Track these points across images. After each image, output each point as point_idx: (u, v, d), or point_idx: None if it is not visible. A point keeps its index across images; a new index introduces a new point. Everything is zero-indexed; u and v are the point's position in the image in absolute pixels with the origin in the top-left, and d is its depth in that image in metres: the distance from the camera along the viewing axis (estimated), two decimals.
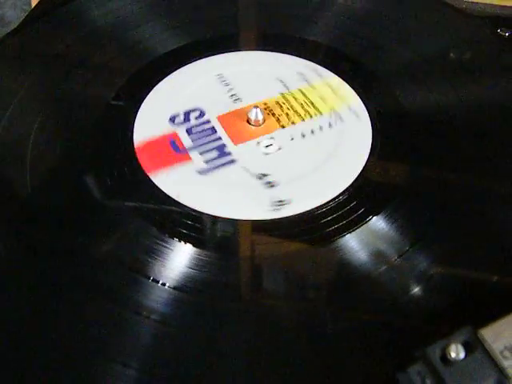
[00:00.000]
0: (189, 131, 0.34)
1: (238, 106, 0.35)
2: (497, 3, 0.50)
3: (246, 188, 0.31)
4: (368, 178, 0.31)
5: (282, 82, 0.37)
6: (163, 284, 0.26)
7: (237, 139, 0.33)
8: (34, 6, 0.48)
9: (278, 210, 0.29)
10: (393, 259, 0.27)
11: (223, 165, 0.32)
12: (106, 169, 0.31)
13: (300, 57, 0.39)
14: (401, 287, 0.26)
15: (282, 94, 0.36)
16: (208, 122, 0.34)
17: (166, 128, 0.34)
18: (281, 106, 0.35)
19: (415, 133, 0.33)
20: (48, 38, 0.40)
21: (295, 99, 0.36)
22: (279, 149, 0.33)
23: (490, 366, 0.21)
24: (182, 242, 0.28)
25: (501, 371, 0.21)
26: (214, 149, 0.33)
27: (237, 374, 0.24)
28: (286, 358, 0.24)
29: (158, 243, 0.28)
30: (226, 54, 0.39)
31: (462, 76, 0.37)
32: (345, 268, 0.27)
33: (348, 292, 0.26)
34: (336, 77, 0.37)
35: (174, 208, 0.29)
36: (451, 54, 0.39)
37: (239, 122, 0.34)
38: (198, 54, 0.39)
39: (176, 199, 0.30)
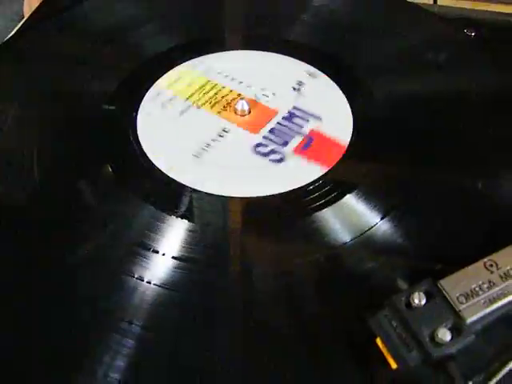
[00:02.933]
0: None
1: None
2: (466, 7, 0.54)
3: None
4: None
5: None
6: (163, 254, 0.30)
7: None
8: (33, 12, 0.51)
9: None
10: (365, 230, 0.31)
11: None
12: None
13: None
14: (373, 252, 0.30)
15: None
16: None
17: None
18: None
19: (387, 119, 0.37)
20: (48, 41, 0.43)
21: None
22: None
23: (447, 310, 0.25)
24: (179, 218, 0.31)
25: (457, 314, 0.25)
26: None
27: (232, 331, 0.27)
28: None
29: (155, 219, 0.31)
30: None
31: (429, 70, 0.41)
32: (324, 239, 0.30)
33: (328, 259, 0.30)
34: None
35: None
36: (421, 51, 0.43)
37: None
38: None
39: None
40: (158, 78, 0.40)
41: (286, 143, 0.35)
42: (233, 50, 0.43)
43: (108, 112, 0.37)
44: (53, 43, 0.43)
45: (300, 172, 0.33)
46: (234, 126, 0.37)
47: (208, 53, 0.42)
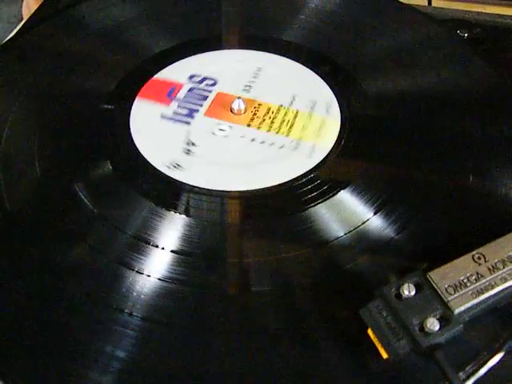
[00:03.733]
0: (190, 90, 0.40)
1: (245, 95, 0.39)
2: (459, 8, 0.55)
3: None
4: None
5: (294, 96, 0.40)
6: (162, 248, 0.30)
7: (209, 113, 0.38)
8: (32, 14, 0.52)
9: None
10: (359, 224, 0.31)
11: (180, 121, 0.38)
12: None
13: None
14: (365, 245, 0.30)
15: (281, 105, 0.39)
16: (209, 91, 0.39)
17: (181, 79, 0.40)
18: (267, 113, 0.38)
19: (377, 116, 0.38)
20: (47, 41, 0.44)
21: (284, 114, 0.38)
22: (225, 136, 0.37)
23: (436, 301, 0.26)
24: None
25: (445, 304, 0.26)
26: (188, 108, 0.38)
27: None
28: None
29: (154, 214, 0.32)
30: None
31: (420, 67, 0.42)
32: (317, 232, 0.31)
33: (320, 250, 0.30)
34: (336, 120, 0.38)
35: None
36: (413, 51, 0.44)
37: (227, 104, 0.39)
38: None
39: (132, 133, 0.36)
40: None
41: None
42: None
43: (106, 110, 0.38)
44: (52, 43, 0.43)
45: None
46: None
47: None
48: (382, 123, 0.37)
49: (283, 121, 0.38)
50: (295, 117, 0.38)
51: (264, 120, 0.38)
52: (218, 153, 0.36)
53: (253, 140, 0.37)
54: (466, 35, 0.48)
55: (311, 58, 0.42)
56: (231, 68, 0.42)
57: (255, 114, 0.38)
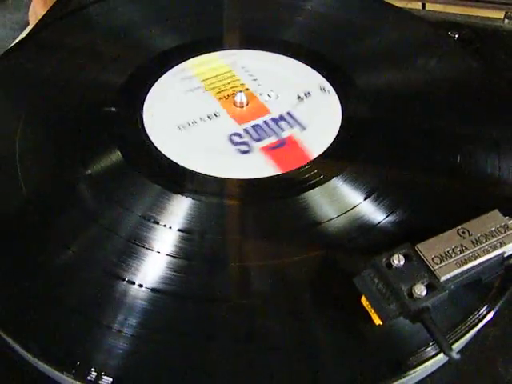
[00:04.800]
0: None
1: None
2: (451, 12, 0.57)
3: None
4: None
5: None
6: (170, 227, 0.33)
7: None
8: (45, 14, 0.55)
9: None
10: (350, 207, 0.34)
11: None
12: None
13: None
14: (356, 226, 0.33)
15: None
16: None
17: None
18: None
19: (371, 108, 0.40)
20: (64, 37, 0.47)
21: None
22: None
23: (424, 269, 0.28)
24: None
25: (432, 272, 0.28)
26: None
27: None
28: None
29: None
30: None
31: (413, 67, 0.44)
32: (313, 214, 0.34)
33: (315, 230, 0.33)
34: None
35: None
36: (409, 51, 0.46)
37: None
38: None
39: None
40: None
41: (259, 139, 0.38)
42: (263, 50, 0.45)
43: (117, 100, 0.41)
44: (66, 41, 0.46)
45: (256, 167, 0.36)
46: (225, 113, 0.40)
47: (241, 48, 0.45)
48: (375, 121, 0.39)
49: None
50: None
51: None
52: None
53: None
54: (456, 36, 0.51)
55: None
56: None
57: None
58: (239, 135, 0.38)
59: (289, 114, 0.40)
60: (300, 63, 0.44)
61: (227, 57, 0.45)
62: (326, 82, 0.42)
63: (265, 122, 0.39)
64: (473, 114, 0.40)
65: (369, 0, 0.51)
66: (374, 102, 0.41)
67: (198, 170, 0.36)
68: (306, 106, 0.41)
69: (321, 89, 0.42)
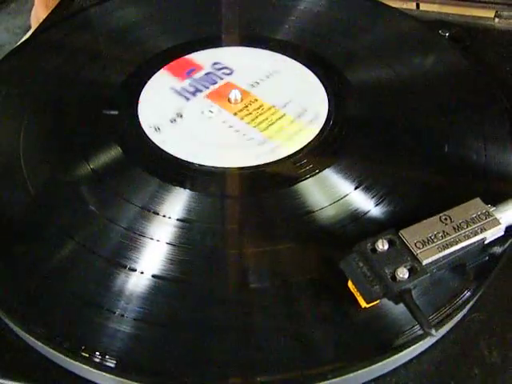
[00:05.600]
0: (207, 73, 0.45)
1: (248, 89, 0.43)
2: (443, 11, 0.59)
3: None
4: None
5: (290, 100, 0.42)
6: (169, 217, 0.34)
7: (209, 96, 0.43)
8: (46, 17, 0.56)
9: None
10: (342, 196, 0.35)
11: (182, 96, 0.43)
12: None
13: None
14: (347, 215, 0.34)
15: (273, 106, 0.42)
16: (221, 78, 0.44)
17: (206, 63, 0.46)
18: (257, 109, 0.42)
19: (360, 101, 0.41)
20: (67, 37, 0.49)
21: (271, 114, 0.41)
22: (210, 118, 0.41)
23: (406, 253, 0.29)
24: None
25: (414, 256, 0.29)
26: (195, 87, 0.43)
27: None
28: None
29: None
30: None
31: (401, 60, 0.46)
32: (307, 202, 0.35)
33: (308, 217, 0.34)
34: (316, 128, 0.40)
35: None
36: (396, 48, 0.48)
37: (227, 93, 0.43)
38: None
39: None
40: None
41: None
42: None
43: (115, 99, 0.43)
44: (69, 41, 0.48)
45: None
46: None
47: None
48: (362, 115, 0.41)
49: (266, 119, 0.41)
50: (279, 118, 0.41)
51: (251, 113, 0.41)
52: (195, 129, 0.40)
53: (230, 127, 0.41)
54: (447, 34, 0.52)
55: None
56: (252, 64, 0.45)
57: (247, 106, 0.42)
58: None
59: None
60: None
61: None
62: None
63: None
64: (459, 107, 0.41)
65: None
66: (360, 94, 0.42)
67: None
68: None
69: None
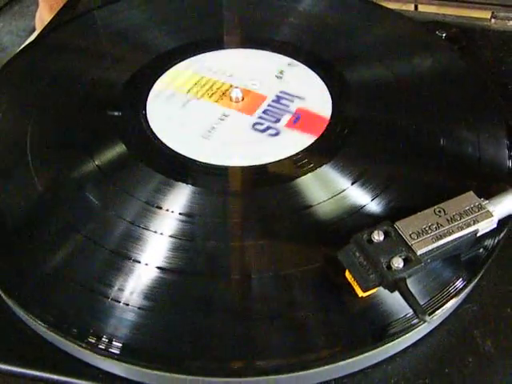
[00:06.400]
0: None
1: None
2: (440, 12, 0.60)
3: None
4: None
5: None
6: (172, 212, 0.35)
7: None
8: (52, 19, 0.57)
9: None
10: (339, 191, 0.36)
11: None
12: None
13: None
14: (344, 209, 0.35)
15: None
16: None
17: None
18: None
19: (360, 99, 0.43)
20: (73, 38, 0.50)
21: None
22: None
23: (401, 244, 0.30)
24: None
25: (409, 247, 0.30)
26: None
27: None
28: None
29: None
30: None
31: (398, 60, 0.47)
32: (308, 196, 0.36)
33: (308, 211, 0.35)
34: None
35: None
36: (394, 48, 0.49)
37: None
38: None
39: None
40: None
41: (278, 120, 0.41)
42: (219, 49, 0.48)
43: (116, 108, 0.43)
44: (75, 42, 0.49)
45: (294, 141, 0.39)
46: (233, 111, 0.43)
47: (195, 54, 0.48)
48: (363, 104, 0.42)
49: None
50: None
51: None
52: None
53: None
54: (444, 35, 0.53)
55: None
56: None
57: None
58: (259, 123, 0.41)
59: (282, 92, 0.44)
60: (253, 51, 0.48)
61: (191, 65, 0.47)
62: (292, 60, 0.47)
63: (269, 105, 0.43)
64: (455, 106, 0.42)
65: None
66: (358, 92, 0.43)
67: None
68: (287, 81, 0.45)
69: (289, 65, 0.46)
